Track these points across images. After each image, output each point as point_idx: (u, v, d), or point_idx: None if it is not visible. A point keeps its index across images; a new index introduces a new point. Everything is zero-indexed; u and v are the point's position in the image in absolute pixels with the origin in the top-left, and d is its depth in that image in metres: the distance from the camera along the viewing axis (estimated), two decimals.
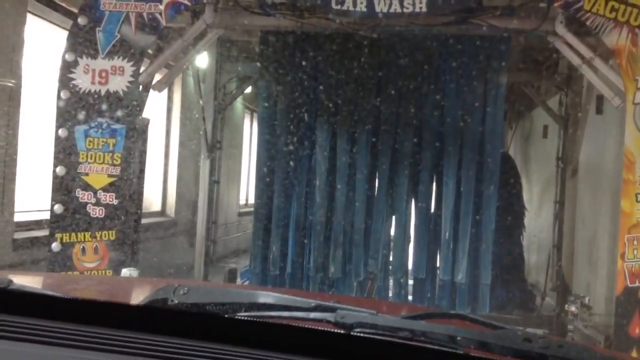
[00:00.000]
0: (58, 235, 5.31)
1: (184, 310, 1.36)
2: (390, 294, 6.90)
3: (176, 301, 1.40)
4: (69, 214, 5.31)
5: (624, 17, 5.09)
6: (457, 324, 1.40)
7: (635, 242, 5.01)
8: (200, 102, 7.96)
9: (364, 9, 5.17)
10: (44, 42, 6.60)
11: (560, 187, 7.45)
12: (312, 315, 1.33)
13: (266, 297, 1.41)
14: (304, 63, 6.69)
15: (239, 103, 11.63)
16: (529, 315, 7.31)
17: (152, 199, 9.42)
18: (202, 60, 7.82)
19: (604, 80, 5.50)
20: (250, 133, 14.01)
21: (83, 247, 5.31)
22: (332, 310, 1.33)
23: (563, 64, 7.08)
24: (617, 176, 5.54)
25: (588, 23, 5.17)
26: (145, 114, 5.80)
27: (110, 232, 5.30)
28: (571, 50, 5.62)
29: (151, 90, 5.85)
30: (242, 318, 1.30)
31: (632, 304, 5.01)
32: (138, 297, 1.73)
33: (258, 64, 7.10)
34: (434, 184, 6.81)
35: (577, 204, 7.51)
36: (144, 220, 7.79)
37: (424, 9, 5.18)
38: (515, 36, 6.28)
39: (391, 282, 6.94)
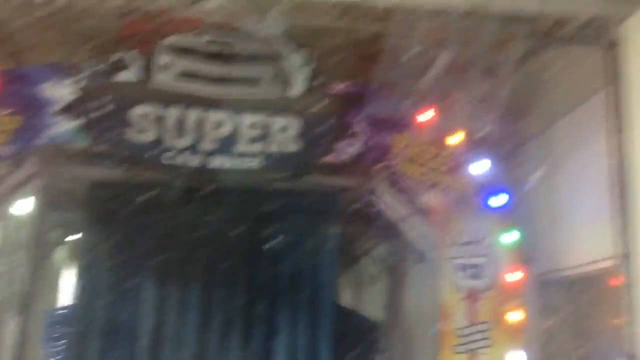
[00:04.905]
0: None
1: None
2: None
3: None
4: None
5: (434, 179, 5.66)
6: None
7: None
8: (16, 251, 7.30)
9: (197, 165, 5.21)
10: None
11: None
12: None
13: None
14: (131, 214, 6.45)
15: (60, 254, 10.82)
16: None
17: None
18: (22, 208, 7.26)
19: (421, 235, 5.95)
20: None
21: None
22: None
23: (385, 218, 7.56)
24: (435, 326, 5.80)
25: (404, 184, 5.67)
26: None
27: None
28: (390, 207, 6.08)
29: None
30: None
31: None
32: None
33: (83, 214, 6.73)
34: (269, 339, 6.64)
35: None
36: None
37: (261, 165, 5.36)
38: (343, 191, 6.68)
39: None
